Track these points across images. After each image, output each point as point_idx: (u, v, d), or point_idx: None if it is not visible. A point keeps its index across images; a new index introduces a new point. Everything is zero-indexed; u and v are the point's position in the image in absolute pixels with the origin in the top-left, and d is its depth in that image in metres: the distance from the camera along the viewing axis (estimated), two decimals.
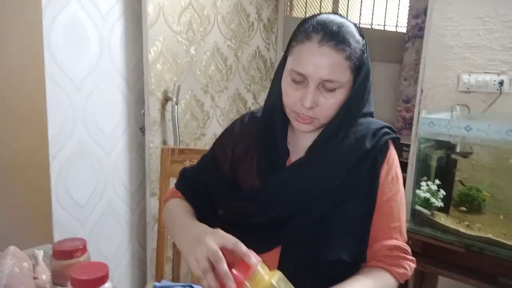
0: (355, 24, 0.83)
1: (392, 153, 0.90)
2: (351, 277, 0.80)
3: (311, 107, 0.80)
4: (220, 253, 0.68)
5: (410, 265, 0.86)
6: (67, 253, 0.83)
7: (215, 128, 2.16)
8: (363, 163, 0.85)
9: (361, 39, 0.82)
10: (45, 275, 0.85)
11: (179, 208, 0.94)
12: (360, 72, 0.82)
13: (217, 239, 0.70)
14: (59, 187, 1.59)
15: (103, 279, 0.70)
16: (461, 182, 1.56)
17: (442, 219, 1.51)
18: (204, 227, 0.80)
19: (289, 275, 0.69)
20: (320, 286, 0.74)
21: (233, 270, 0.66)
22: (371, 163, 0.86)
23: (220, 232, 0.73)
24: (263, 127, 0.93)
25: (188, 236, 0.78)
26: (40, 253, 0.92)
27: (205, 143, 2.12)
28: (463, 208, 1.51)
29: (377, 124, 0.90)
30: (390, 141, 0.90)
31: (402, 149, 0.96)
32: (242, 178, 0.93)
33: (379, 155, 0.87)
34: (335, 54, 0.78)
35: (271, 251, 0.86)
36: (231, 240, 0.70)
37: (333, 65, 0.78)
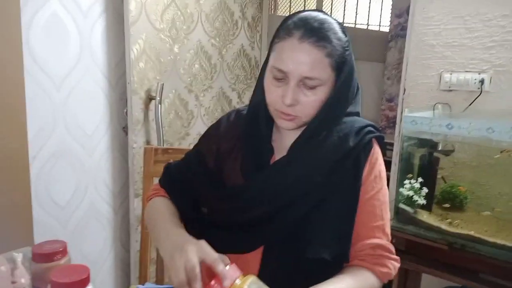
0: (338, 22, 0.83)
1: (376, 151, 0.89)
2: (333, 277, 0.80)
3: (291, 105, 0.80)
4: (197, 270, 0.67)
5: (394, 265, 0.86)
6: (47, 256, 0.81)
7: (200, 128, 2.14)
8: (346, 161, 0.85)
9: (344, 36, 0.82)
10: (24, 279, 0.83)
11: (163, 208, 0.92)
12: (342, 70, 0.82)
13: (198, 252, 0.69)
14: (39, 187, 1.55)
15: (84, 282, 0.69)
16: (443, 178, 1.58)
17: (425, 216, 1.53)
18: (186, 235, 0.79)
19: (272, 275, 0.69)
20: (303, 285, 0.73)
21: (212, 282, 0.66)
22: (354, 162, 0.86)
23: (202, 244, 0.72)
24: (248, 125, 0.92)
25: (170, 243, 0.77)
26: (19, 256, 0.89)
27: (190, 143, 2.10)
28: (446, 205, 1.53)
29: (361, 122, 0.90)
30: (374, 140, 0.90)
31: (386, 148, 0.96)
32: (227, 175, 0.92)
33: (362, 153, 0.86)
34: (315, 51, 0.77)
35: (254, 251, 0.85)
36: (211, 256, 0.69)
37: (313, 62, 0.77)
